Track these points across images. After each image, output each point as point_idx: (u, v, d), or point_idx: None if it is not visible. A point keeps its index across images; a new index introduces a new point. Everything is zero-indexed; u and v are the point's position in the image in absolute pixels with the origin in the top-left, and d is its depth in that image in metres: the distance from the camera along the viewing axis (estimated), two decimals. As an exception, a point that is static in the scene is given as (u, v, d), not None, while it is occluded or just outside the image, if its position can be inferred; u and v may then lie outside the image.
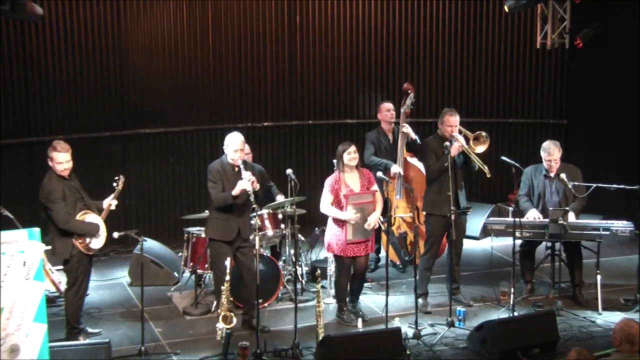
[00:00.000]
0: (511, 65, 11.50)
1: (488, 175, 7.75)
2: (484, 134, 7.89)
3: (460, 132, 7.95)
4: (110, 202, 7.24)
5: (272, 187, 8.79)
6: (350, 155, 7.52)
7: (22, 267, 5.66)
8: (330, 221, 7.63)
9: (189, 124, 10.51)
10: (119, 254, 9.73)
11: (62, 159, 6.96)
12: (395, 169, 8.60)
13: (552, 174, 8.10)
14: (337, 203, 7.50)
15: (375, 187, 7.68)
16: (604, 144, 10.89)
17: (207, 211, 7.91)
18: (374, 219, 7.48)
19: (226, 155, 7.35)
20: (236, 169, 7.30)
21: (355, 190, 7.54)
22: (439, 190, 7.82)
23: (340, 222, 7.51)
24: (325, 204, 7.54)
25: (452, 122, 7.87)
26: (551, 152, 8.04)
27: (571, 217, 7.91)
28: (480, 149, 7.86)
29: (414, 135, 8.65)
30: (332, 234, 7.58)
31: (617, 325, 5.38)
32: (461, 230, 8.05)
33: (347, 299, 7.80)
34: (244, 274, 7.47)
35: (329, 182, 7.58)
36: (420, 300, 7.74)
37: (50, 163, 7.01)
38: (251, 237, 7.40)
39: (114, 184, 7.28)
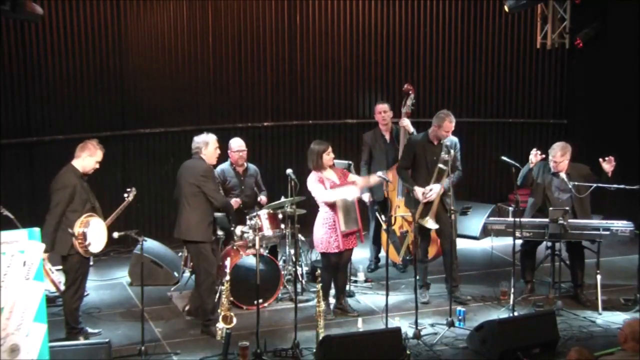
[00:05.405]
0: (511, 65, 11.49)
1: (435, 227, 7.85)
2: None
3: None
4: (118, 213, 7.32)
5: (263, 192, 8.77)
6: (330, 155, 7.65)
7: (22, 267, 5.66)
8: (317, 222, 7.68)
9: (189, 124, 10.48)
10: (119, 254, 9.72)
11: (100, 158, 7.11)
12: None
13: (561, 174, 8.02)
14: None
15: (350, 177, 7.82)
16: (604, 144, 10.85)
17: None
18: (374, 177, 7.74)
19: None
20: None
21: (337, 183, 7.65)
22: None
23: (331, 218, 7.56)
24: (323, 192, 7.55)
25: (450, 128, 7.92)
26: (554, 153, 8.00)
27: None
28: (432, 224, 7.88)
29: (411, 129, 8.66)
30: (324, 232, 7.62)
31: (626, 322, 5.40)
32: (448, 231, 7.94)
33: (333, 295, 7.86)
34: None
35: (314, 177, 7.63)
36: (420, 291, 7.81)
37: (79, 160, 7.04)
38: (250, 237, 7.40)
39: (125, 195, 7.38)
